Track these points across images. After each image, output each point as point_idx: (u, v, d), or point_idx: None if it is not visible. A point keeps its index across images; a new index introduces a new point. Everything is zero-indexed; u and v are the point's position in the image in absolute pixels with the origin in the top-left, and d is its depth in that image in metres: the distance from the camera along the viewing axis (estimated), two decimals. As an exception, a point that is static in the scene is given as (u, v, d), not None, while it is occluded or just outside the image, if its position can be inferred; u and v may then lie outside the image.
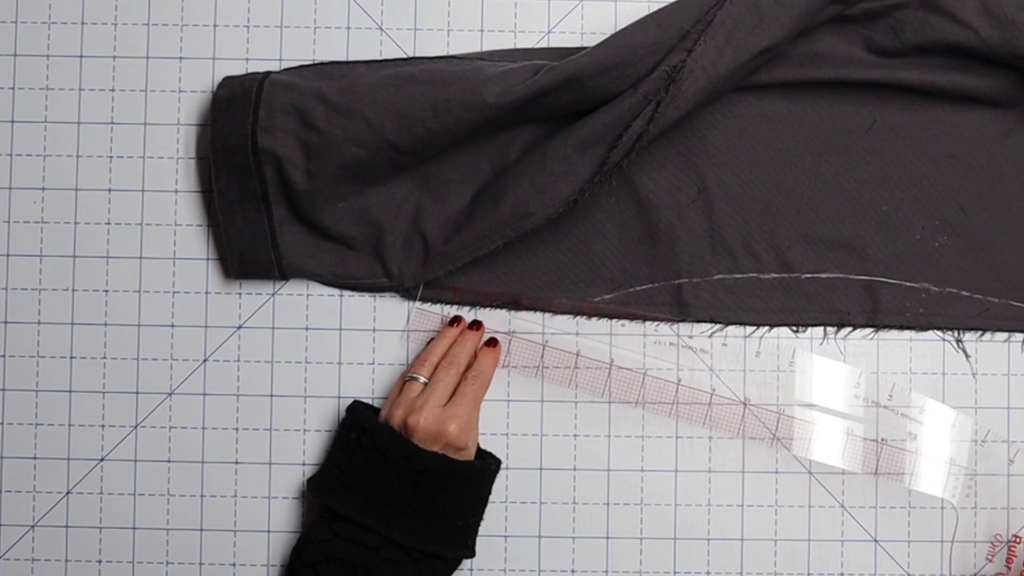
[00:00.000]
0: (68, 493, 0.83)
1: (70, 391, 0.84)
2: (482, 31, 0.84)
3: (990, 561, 0.82)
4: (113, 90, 0.84)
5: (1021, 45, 0.78)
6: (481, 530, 0.80)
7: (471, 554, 0.78)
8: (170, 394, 0.83)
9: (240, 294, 0.84)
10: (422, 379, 0.79)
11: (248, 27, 0.84)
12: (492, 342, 0.82)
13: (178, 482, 0.83)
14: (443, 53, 0.84)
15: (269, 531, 0.83)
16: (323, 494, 0.78)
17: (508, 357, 0.83)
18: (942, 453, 0.81)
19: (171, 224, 0.84)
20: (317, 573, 0.75)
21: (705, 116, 0.82)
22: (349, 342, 0.83)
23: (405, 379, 0.80)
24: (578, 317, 0.83)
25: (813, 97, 0.83)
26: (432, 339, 0.82)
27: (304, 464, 0.83)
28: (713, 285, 0.83)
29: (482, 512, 0.79)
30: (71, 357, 0.84)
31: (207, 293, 0.84)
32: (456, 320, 0.83)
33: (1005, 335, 0.83)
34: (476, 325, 0.82)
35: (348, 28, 0.84)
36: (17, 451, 0.83)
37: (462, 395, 0.78)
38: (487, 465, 0.79)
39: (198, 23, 0.84)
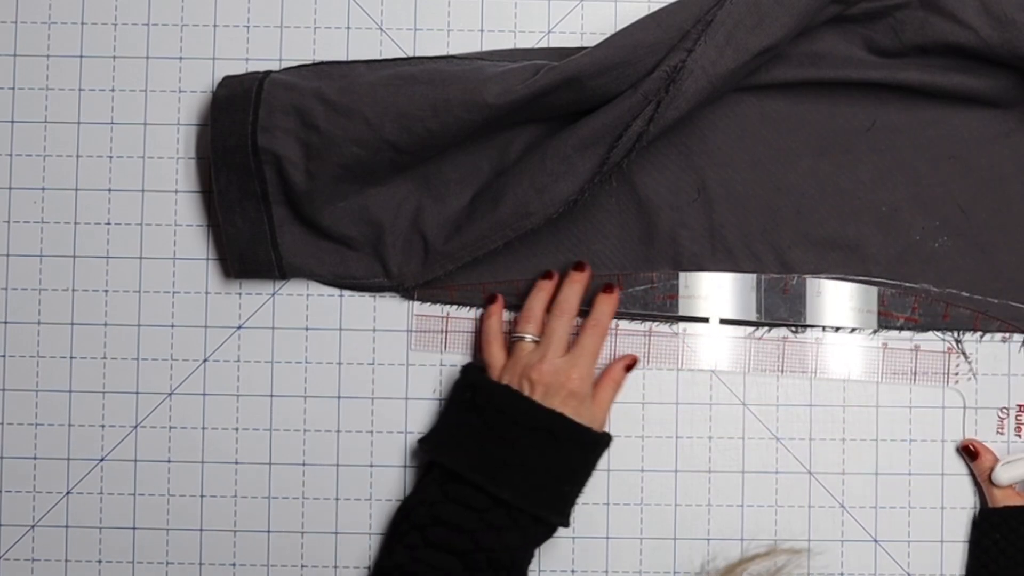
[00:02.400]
0: (68, 493, 0.83)
1: (70, 391, 0.84)
2: (482, 31, 0.84)
3: (1000, 434, 0.82)
4: (113, 90, 0.84)
5: (1021, 45, 0.78)
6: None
7: (567, 523, 0.77)
8: (170, 394, 0.83)
9: (240, 294, 0.84)
10: (529, 337, 0.78)
11: (248, 27, 0.84)
12: (609, 287, 0.80)
13: (178, 482, 0.83)
14: (443, 53, 0.84)
15: (269, 531, 0.83)
16: (436, 452, 0.77)
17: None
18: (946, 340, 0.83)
19: (171, 224, 0.84)
20: (424, 535, 0.75)
21: (705, 116, 0.82)
22: (349, 342, 0.83)
23: (510, 340, 0.79)
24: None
25: (813, 97, 0.83)
26: (529, 294, 0.80)
27: (304, 464, 0.83)
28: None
29: (584, 483, 0.78)
30: (71, 357, 0.84)
31: (207, 293, 0.84)
32: (549, 274, 0.81)
33: (1004, 335, 0.83)
34: (580, 266, 0.80)
35: (348, 28, 0.84)
36: (17, 451, 0.83)
37: (581, 347, 0.77)
38: (602, 436, 0.78)
39: (198, 23, 0.84)
